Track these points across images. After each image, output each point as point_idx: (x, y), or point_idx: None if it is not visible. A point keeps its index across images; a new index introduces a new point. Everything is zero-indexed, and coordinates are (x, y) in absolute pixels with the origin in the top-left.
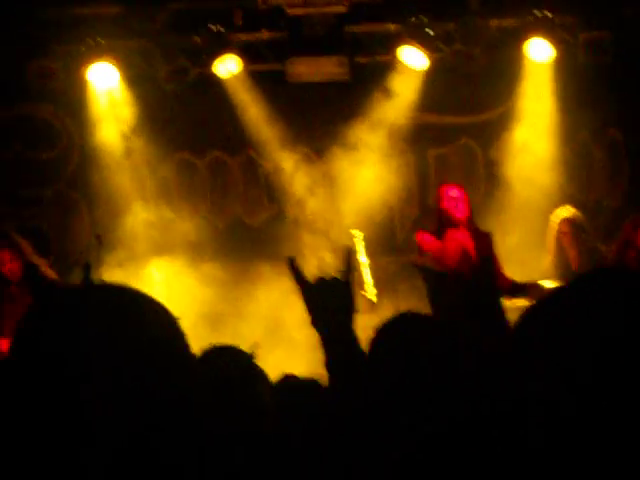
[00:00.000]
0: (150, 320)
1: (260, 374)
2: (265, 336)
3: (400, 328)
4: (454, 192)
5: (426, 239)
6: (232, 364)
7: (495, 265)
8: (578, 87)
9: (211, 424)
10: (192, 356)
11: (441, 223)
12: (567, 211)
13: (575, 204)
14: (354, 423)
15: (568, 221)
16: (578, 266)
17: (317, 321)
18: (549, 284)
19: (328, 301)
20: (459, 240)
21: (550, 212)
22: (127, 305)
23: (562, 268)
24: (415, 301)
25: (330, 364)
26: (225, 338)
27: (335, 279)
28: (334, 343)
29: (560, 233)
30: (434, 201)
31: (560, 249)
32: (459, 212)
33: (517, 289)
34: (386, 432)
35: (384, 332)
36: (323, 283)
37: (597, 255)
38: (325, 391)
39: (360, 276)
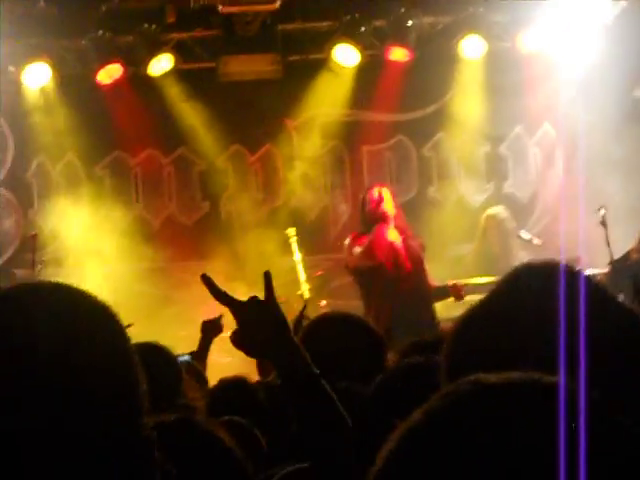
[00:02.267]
0: (86, 318)
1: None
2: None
3: (322, 327)
4: (378, 193)
5: (356, 237)
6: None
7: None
8: (512, 83)
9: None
10: (131, 351)
11: (369, 222)
12: (495, 209)
13: (509, 201)
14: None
15: (494, 218)
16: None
17: (247, 340)
18: (469, 280)
19: (258, 320)
20: (384, 233)
21: (482, 209)
22: (63, 303)
23: (485, 259)
24: (348, 298)
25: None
26: (158, 335)
27: (261, 301)
28: (282, 366)
29: (488, 228)
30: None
31: (484, 242)
32: (384, 210)
33: (438, 292)
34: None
35: (309, 330)
36: (252, 302)
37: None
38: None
39: (294, 273)
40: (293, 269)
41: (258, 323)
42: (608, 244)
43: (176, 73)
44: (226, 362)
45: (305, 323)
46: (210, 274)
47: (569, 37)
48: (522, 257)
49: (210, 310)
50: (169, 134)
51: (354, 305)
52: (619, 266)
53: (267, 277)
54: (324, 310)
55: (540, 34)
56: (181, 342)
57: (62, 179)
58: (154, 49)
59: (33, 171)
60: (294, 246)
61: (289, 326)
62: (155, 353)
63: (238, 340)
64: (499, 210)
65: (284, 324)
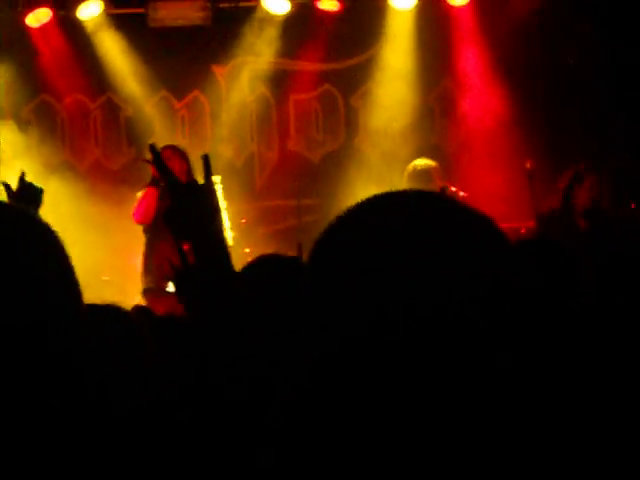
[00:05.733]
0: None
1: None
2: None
3: (261, 269)
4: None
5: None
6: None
7: None
8: (442, 34)
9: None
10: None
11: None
12: (429, 162)
13: (436, 152)
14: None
15: (434, 170)
16: None
17: (179, 221)
18: None
19: (194, 203)
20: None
21: (408, 161)
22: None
23: None
24: (274, 245)
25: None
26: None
27: (198, 184)
28: (203, 251)
29: (423, 182)
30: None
31: None
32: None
33: None
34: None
35: (246, 273)
36: (190, 184)
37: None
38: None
39: None
40: None
41: (191, 205)
42: (534, 198)
43: (105, 18)
44: None
45: None
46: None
47: None
48: None
49: (131, 256)
50: (96, 79)
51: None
52: (546, 219)
53: (206, 160)
54: (249, 258)
55: None
56: (104, 287)
57: None
58: None
59: None
60: (219, 194)
61: (220, 214)
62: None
63: (168, 219)
64: (430, 163)
65: (215, 210)
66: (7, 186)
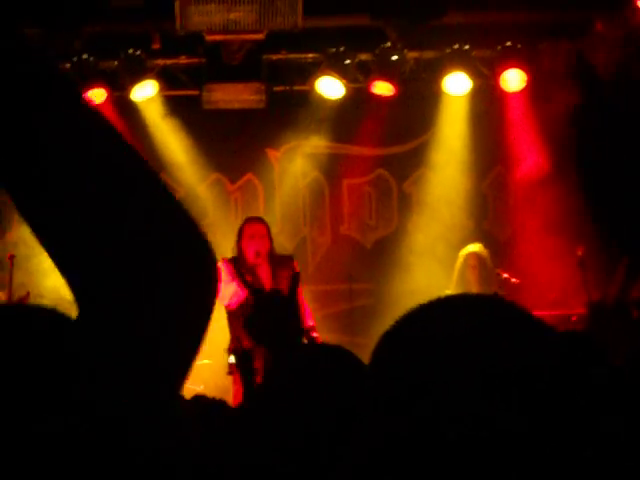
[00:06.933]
0: None
1: None
2: None
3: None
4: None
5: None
6: None
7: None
8: (495, 120)
9: None
10: None
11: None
12: (475, 246)
13: (488, 239)
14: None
15: (475, 255)
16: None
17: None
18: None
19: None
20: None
21: (460, 247)
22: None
23: None
24: (326, 329)
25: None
26: None
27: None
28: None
29: (468, 267)
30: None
31: (462, 283)
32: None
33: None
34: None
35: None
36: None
37: (499, 279)
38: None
39: None
40: None
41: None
42: (586, 285)
43: (159, 99)
44: (199, 390)
45: None
46: None
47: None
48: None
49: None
50: (149, 160)
51: (329, 338)
52: (597, 307)
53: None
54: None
55: (522, 74)
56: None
57: None
58: (138, 75)
59: None
60: None
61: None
62: None
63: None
64: (480, 248)
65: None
66: None
